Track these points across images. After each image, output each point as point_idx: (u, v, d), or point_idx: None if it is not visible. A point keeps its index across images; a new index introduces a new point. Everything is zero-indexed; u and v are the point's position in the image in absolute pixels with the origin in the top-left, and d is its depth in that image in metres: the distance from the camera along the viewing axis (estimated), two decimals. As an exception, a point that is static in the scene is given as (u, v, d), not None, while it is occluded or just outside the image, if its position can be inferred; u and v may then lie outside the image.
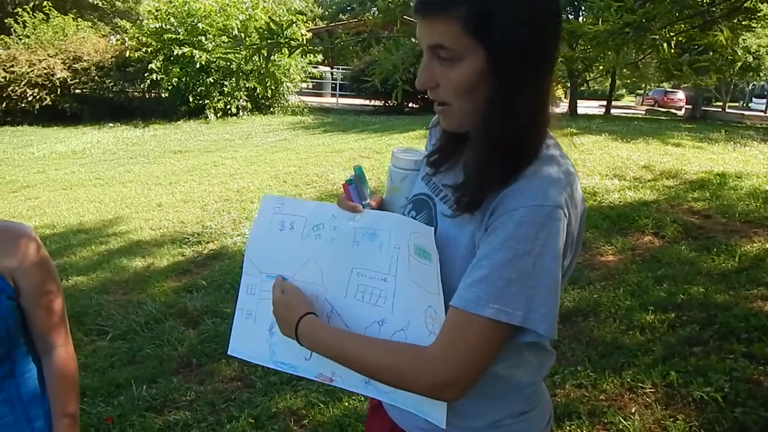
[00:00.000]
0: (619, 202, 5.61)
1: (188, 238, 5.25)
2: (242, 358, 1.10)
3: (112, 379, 2.94)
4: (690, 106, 22.12)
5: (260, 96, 15.71)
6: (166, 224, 5.81)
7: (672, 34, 2.60)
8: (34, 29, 16.04)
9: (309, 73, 17.58)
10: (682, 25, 2.98)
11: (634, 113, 24.02)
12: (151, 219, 6.02)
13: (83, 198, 7.13)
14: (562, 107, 11.01)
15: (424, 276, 0.91)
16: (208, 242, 5.15)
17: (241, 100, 15.30)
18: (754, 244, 4.38)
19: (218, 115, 14.77)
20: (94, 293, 4.12)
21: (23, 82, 14.36)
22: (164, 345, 3.28)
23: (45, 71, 14.56)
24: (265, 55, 2.25)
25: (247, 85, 15.18)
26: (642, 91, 36.79)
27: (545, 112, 0.88)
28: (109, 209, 6.55)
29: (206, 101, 14.63)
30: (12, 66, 14.49)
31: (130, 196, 7.06)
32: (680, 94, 28.38)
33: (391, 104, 16.68)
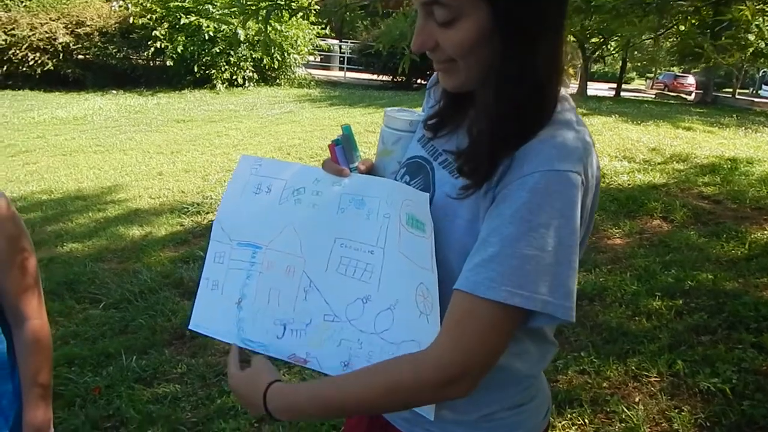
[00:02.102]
0: (628, 184, 5.48)
1: (187, 208, 5.16)
2: (205, 334, 0.99)
3: (103, 348, 2.88)
4: (701, 91, 21.76)
5: (267, 67, 15.48)
6: (166, 193, 5.72)
7: (699, 4, 2.45)
8: (37, -8, 15.76)
9: (317, 46, 17.31)
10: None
11: (643, 96, 23.65)
12: (151, 188, 5.92)
13: (83, 164, 7.03)
14: (572, 88, 10.78)
15: (417, 249, 0.81)
16: (207, 213, 5.06)
17: (247, 71, 15.08)
18: (765, 232, 4.27)
19: (224, 85, 14.57)
20: (88, 261, 4.05)
21: (24, 46, 14.14)
22: (158, 315, 3.21)
23: (47, 35, 14.33)
24: (264, 16, 2.12)
25: (253, 56, 14.94)
26: (652, 75, 36.26)
27: (560, 68, 0.77)
28: (108, 176, 6.45)
29: (212, 71, 14.42)
30: (13, 29, 14.25)
31: (131, 164, 6.96)
32: (690, 79, 27.92)
33: (399, 80, 16.46)
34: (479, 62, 0.75)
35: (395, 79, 16.69)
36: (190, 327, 0.99)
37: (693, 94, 24.57)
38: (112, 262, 4.09)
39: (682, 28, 2.56)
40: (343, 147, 0.94)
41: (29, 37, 14.22)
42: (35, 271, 1.18)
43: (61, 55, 14.53)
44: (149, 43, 13.88)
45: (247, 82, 15.12)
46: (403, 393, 0.74)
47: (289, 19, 13.27)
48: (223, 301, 0.96)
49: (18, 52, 14.13)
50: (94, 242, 4.47)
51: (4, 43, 14.06)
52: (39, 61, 14.32)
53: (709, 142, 7.71)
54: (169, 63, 14.20)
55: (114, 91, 14.25)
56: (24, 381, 1.15)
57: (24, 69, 14.31)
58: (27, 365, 1.15)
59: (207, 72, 14.41)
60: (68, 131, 9.28)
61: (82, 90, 14.36)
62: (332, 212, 0.89)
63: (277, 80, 16.13)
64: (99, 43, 14.85)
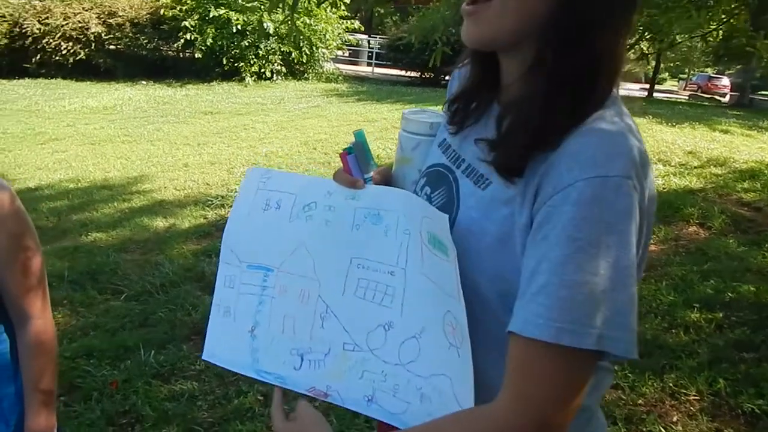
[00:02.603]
0: (663, 188, 5.28)
1: (212, 201, 5.12)
2: (219, 365, 0.89)
3: (122, 341, 2.84)
4: (736, 93, 21.15)
5: (295, 61, 15.46)
6: (191, 185, 5.70)
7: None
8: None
9: (345, 40, 17.24)
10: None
11: (676, 98, 23.09)
12: (176, 179, 5.91)
13: (110, 154, 7.07)
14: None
15: (440, 273, 0.71)
16: (231, 206, 5.02)
17: (275, 64, 15.08)
18: (811, 243, 4.06)
19: (253, 78, 14.60)
20: (111, 251, 4.04)
21: (58, 35, 14.32)
22: (177, 309, 3.17)
23: (80, 25, 14.49)
24: (291, 4, 2.03)
25: (282, 49, 14.94)
26: (685, 76, 35.40)
27: (625, 44, 0.66)
28: (135, 167, 6.46)
29: (241, 64, 14.46)
30: (47, 18, 14.44)
31: (157, 155, 6.97)
32: (725, 80, 27.19)
33: (427, 76, 16.29)
34: (521, 8, 0.63)
35: (423, 75, 16.52)
36: (203, 357, 0.91)
37: (728, 96, 23.90)
38: (135, 253, 4.07)
39: (733, 22, 2.39)
40: (356, 155, 0.84)
41: (62, 26, 14.40)
42: (39, 270, 1.11)
43: (93, 44, 14.68)
44: (179, 34, 13.96)
45: (275, 75, 15.12)
46: None
47: (318, 6, 13.22)
48: (236, 329, 0.88)
49: (51, 41, 14.32)
50: (118, 232, 4.46)
51: (38, 32, 14.26)
52: (72, 51, 14.50)
53: (748, 146, 7.43)
54: (198, 55, 14.27)
55: (144, 82, 14.38)
56: (26, 386, 1.09)
57: (57, 58, 14.50)
58: (29, 369, 1.09)
59: (235, 65, 14.45)
60: (97, 120, 9.36)
61: (112, 80, 14.50)
62: (347, 229, 0.80)
63: (305, 74, 16.09)
64: (130, 34, 14.98)
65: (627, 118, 0.66)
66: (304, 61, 15.68)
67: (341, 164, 0.84)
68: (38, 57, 14.49)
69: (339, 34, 16.17)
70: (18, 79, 13.77)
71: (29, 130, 8.42)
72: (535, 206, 0.62)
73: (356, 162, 0.84)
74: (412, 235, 0.75)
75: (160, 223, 4.65)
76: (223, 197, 5.23)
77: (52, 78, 14.32)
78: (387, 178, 0.87)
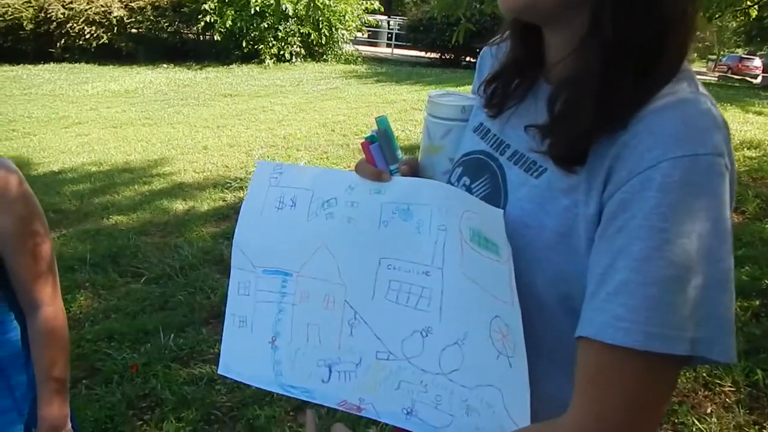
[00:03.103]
0: (694, 171, 5.11)
1: (230, 183, 5.10)
2: (239, 380, 0.81)
3: (142, 324, 2.83)
4: None
5: (314, 42, 15.34)
6: (210, 168, 5.69)
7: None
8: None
9: (365, 21, 17.04)
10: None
11: (705, 79, 22.46)
12: (196, 161, 5.90)
13: (131, 137, 7.09)
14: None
15: (487, 273, 0.64)
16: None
17: (294, 46, 14.99)
18: None
19: (272, 60, 14.54)
20: (132, 234, 4.04)
21: (81, 20, 14.41)
22: (197, 293, 3.15)
23: (102, 9, 14.56)
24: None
25: (301, 31, 14.83)
26: (715, 57, 34.41)
27: (696, 5, 0.57)
28: (155, 149, 6.47)
29: (260, 46, 14.39)
30: (71, 2, 14.53)
31: (177, 138, 6.97)
32: (757, 61, 26.34)
33: (447, 57, 16.06)
34: None
35: (443, 57, 16.29)
36: (220, 372, 0.83)
37: (759, 78, 23.18)
38: (155, 236, 4.07)
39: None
40: (380, 144, 0.76)
41: (86, 10, 14.48)
42: (49, 256, 1.07)
43: (116, 28, 14.75)
44: (199, 17, 13.93)
45: (294, 57, 15.03)
46: None
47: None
48: (255, 340, 0.79)
49: (75, 25, 14.42)
50: (138, 215, 4.46)
51: (62, 16, 14.36)
52: (95, 35, 14.59)
53: (783, 128, 7.16)
54: (217, 37, 14.24)
55: (164, 65, 14.41)
56: (38, 375, 1.05)
57: (81, 42, 14.61)
58: (41, 358, 1.05)
59: (255, 47, 14.39)
60: (119, 104, 9.41)
61: (134, 63, 14.57)
62: (373, 227, 0.72)
63: (324, 56, 15.98)
64: (151, 17, 15.00)
65: (705, 91, 0.58)
66: (324, 42, 15.56)
67: (361, 152, 0.76)
68: (63, 42, 14.62)
69: (358, 15, 15.99)
70: (43, 63, 13.91)
71: (53, 114, 8.50)
72: (605, 194, 0.54)
73: (380, 152, 0.76)
74: (449, 231, 0.67)
75: (179, 205, 4.65)
76: (241, 179, 5.20)
77: (75, 62, 14.44)
78: (415, 170, 0.78)
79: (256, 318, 0.79)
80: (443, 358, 0.66)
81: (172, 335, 2.71)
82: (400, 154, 0.79)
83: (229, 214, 4.42)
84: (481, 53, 0.82)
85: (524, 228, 0.62)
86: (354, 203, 0.74)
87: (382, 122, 0.78)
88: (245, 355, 0.80)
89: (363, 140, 0.76)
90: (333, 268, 0.73)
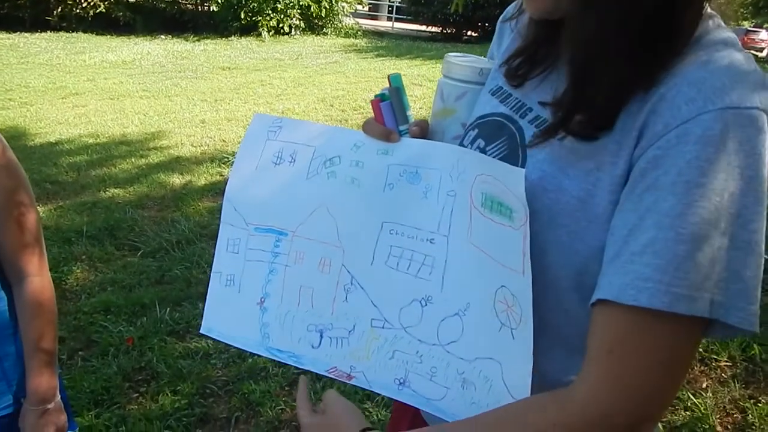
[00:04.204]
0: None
1: (228, 158, 5.06)
2: (221, 341, 0.78)
3: (138, 298, 2.84)
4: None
5: (314, 15, 15.10)
6: (208, 141, 5.65)
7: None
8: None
9: (365, -7, 16.79)
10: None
11: (711, 55, 22.22)
12: (193, 135, 5.86)
13: (129, 109, 7.02)
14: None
15: (497, 241, 0.61)
16: (247, 163, 4.95)
17: (294, 19, 14.76)
18: None
19: (270, 33, 14.33)
20: (129, 207, 4.02)
21: (78, -13, 14.20)
22: (193, 267, 3.15)
23: (99, -24, 14.33)
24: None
25: (301, 3, 14.59)
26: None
27: None
28: (153, 122, 6.41)
29: (258, 18, 14.17)
30: (67, -31, 14.30)
31: (175, 111, 6.91)
32: (763, 34, 25.98)
33: (448, 31, 15.85)
34: None
35: (445, 31, 16.08)
36: (202, 331, 0.80)
37: (766, 51, 22.90)
38: (152, 210, 4.05)
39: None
40: (392, 103, 0.73)
41: (82, -23, 14.24)
42: (35, 226, 1.05)
43: (113, -3, 14.53)
44: (197, -13, 13.72)
45: (293, 30, 14.82)
46: None
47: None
48: (242, 300, 0.76)
49: (71, -7, 14.20)
50: (135, 188, 4.44)
51: (58, -17, 14.14)
52: (92, 3, 14.37)
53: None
54: (214, 8, 14.02)
55: (162, 36, 14.21)
56: (26, 347, 1.04)
57: (77, 11, 14.39)
58: (29, 330, 1.04)
59: (253, 18, 14.17)
60: (117, 75, 9.30)
61: (131, 34, 14.36)
62: (377, 189, 0.69)
63: (324, 29, 15.75)
64: (149, -14, 14.76)
65: (727, 31, 0.56)
66: (323, 15, 15.32)
67: (372, 113, 0.73)
68: (60, 9, 14.38)
69: (360, -13, 15.74)
70: (40, 32, 13.70)
71: (50, 84, 8.41)
72: (636, 151, 0.51)
73: (391, 110, 0.73)
74: (458, 197, 0.65)
75: (176, 179, 4.62)
76: (240, 154, 5.16)
77: (72, 32, 14.23)
78: (425, 132, 0.75)
79: (245, 277, 0.76)
80: (442, 328, 0.64)
81: (168, 309, 2.72)
82: (411, 115, 0.76)
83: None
84: (500, 21, 0.78)
85: (542, 192, 0.59)
86: (359, 163, 0.71)
87: (395, 79, 0.75)
88: (231, 315, 0.78)
89: (373, 98, 0.72)
90: (332, 229, 0.71)
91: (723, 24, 0.56)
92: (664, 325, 0.48)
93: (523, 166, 0.62)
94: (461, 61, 0.74)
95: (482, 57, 0.79)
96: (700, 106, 0.48)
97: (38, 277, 1.06)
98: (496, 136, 0.67)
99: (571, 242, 0.56)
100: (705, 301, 0.47)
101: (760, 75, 0.51)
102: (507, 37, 0.75)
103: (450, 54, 0.75)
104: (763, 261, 0.50)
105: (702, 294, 0.47)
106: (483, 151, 0.68)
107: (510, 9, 0.75)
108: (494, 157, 0.67)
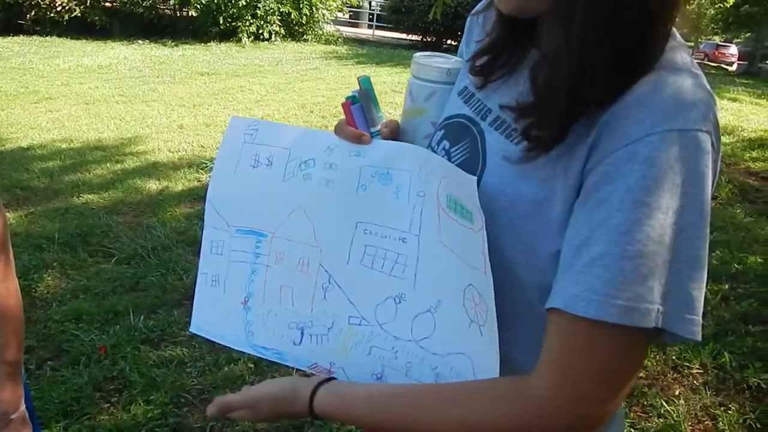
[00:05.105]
0: (669, 157, 5.17)
1: (206, 164, 5.00)
2: (209, 339, 0.82)
3: (111, 305, 2.77)
4: (744, 62, 20.80)
5: (294, 21, 15.09)
6: (186, 147, 5.58)
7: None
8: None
9: (346, 2, 16.81)
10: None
11: (684, 66, 22.69)
12: (171, 141, 5.78)
13: (104, 114, 6.91)
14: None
15: (462, 241, 0.63)
16: (226, 169, 4.91)
17: (274, 25, 14.72)
18: (820, 214, 3.97)
19: (250, 39, 14.27)
20: (103, 213, 3.95)
21: (53, -9, 13.97)
22: (169, 274, 3.10)
23: (75, -20, 14.13)
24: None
25: (281, 9, 14.56)
26: (692, 44, 34.82)
27: None
28: (129, 127, 6.32)
29: (238, 23, 14.10)
30: (41, -28, 14.06)
31: (152, 116, 6.81)
32: (733, 49, 26.71)
33: (429, 39, 15.96)
34: None
35: (425, 39, 16.19)
36: (191, 330, 0.84)
37: (735, 65, 23.51)
38: (127, 216, 3.98)
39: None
40: (362, 105, 0.74)
41: (57, -19, 14.02)
42: (1, 231, 1.01)
43: (89, 1, 14.32)
44: (175, -9, 13.61)
45: (273, 36, 14.78)
46: None
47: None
48: (227, 300, 0.80)
49: (46, -4, 13.96)
50: (110, 194, 4.36)
51: (31, -13, 13.89)
52: (66, 7, 14.14)
53: (756, 115, 7.29)
54: (193, 13, 13.92)
55: (140, 41, 14.05)
56: None
57: (52, 15, 14.15)
58: None
59: (233, 24, 14.10)
60: (92, 80, 9.15)
61: (108, 38, 14.17)
62: (351, 190, 0.71)
63: (304, 36, 15.74)
64: (126, -9, 14.60)
65: (684, 54, 0.57)
66: (304, 22, 15.32)
67: (343, 116, 0.74)
68: (33, 13, 14.13)
69: (340, -6, 15.78)
70: (12, 36, 13.44)
71: (23, 89, 8.23)
72: (588, 164, 0.53)
73: (362, 113, 0.74)
74: (427, 197, 0.67)
75: (153, 185, 4.55)
76: (218, 160, 5.11)
77: (47, 36, 13.99)
78: (396, 133, 0.77)
79: (229, 278, 0.80)
80: (415, 325, 0.67)
81: (143, 317, 2.66)
82: (381, 116, 0.77)
83: (204, 194, 4.31)
84: (468, 21, 0.79)
85: (500, 195, 0.61)
86: (332, 165, 0.73)
87: (365, 82, 0.76)
88: (217, 314, 0.81)
89: (344, 101, 0.73)
90: (309, 230, 0.73)
91: (681, 43, 0.58)
92: (611, 336, 0.50)
93: (483, 169, 0.63)
94: (428, 62, 0.75)
95: (453, 56, 0.79)
96: (647, 127, 0.50)
97: (3, 283, 1.02)
98: (460, 138, 0.68)
99: (529, 243, 0.58)
100: (651, 313, 0.49)
101: (707, 98, 0.53)
102: (475, 34, 0.75)
103: (418, 54, 0.76)
104: (706, 274, 0.52)
105: (647, 306, 0.49)
106: (448, 152, 0.69)
107: (480, 4, 0.76)
108: (458, 158, 0.68)
